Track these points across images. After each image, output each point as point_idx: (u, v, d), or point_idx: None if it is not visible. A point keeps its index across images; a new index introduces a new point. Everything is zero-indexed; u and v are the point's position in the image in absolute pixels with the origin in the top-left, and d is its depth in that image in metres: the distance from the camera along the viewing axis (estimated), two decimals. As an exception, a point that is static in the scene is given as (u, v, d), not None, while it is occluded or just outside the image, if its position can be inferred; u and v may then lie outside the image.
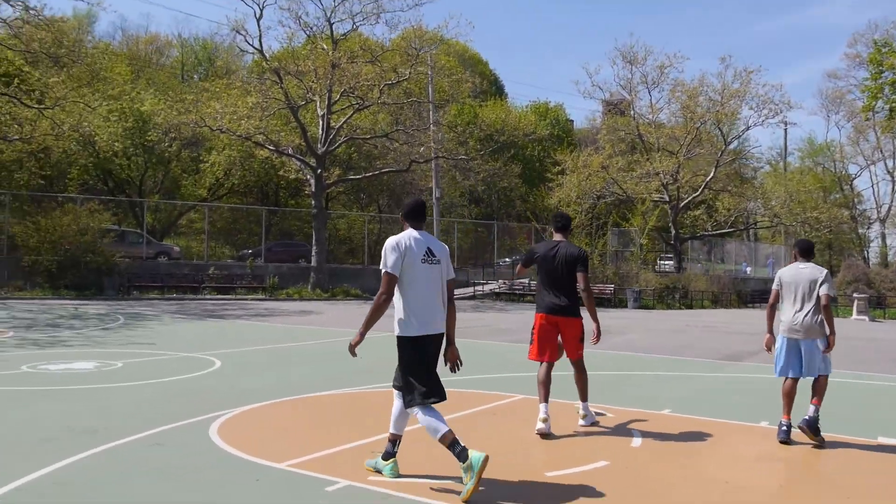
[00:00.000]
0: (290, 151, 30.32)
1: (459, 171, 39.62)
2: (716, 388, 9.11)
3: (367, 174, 34.34)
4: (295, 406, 7.22)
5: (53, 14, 28.15)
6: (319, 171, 29.51)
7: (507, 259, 41.01)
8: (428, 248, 4.90)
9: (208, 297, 27.51)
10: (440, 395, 4.80)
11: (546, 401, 6.29)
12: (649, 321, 21.50)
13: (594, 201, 37.86)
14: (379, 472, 4.84)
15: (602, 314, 24.90)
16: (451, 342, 5.02)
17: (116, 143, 30.82)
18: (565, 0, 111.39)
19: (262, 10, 28.77)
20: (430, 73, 31.75)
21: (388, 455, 4.87)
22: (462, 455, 4.44)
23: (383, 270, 4.78)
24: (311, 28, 30.23)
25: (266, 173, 36.16)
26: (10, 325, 14.81)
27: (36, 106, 26.23)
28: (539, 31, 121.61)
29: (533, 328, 6.72)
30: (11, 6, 24.12)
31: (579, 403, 6.70)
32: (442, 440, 4.58)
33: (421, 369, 4.81)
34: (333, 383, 8.48)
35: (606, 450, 5.69)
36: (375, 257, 38.49)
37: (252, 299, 27.31)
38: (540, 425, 6.11)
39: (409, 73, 29.40)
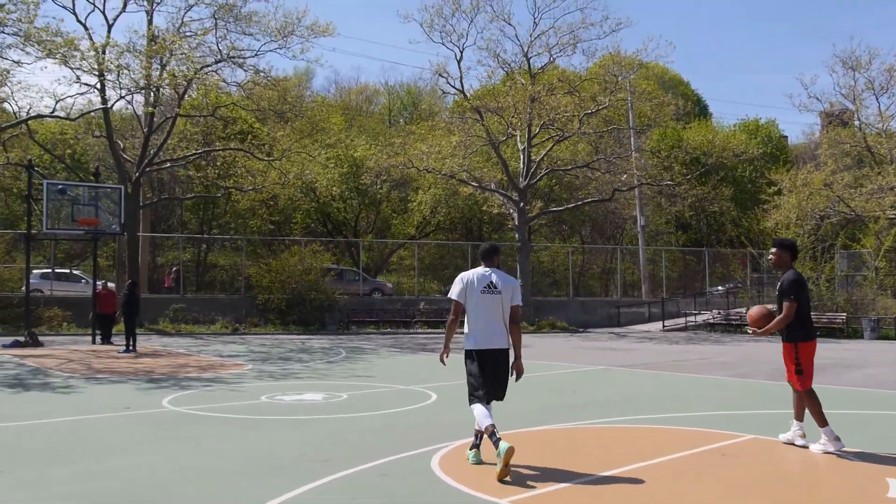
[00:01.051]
0: (493, 187, 30.97)
1: (665, 198, 38.34)
2: None
3: (569, 205, 34.18)
4: (511, 440, 7.21)
5: (278, 75, 31.15)
6: (522, 204, 29.84)
7: (719, 287, 38.80)
8: (490, 281, 6.08)
9: (419, 331, 28.58)
10: (490, 395, 6.03)
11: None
12: (893, 353, 19.27)
13: (817, 222, 34.81)
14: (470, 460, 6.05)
15: (834, 346, 22.82)
16: (517, 357, 6.15)
17: (334, 188, 33.27)
18: (771, 7, 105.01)
19: (462, 52, 29.88)
20: (629, 98, 31.18)
21: (474, 445, 6.15)
22: (497, 444, 5.55)
23: (451, 297, 6.18)
24: (510, 64, 30.90)
25: (470, 209, 37.19)
26: (249, 359, 16.28)
27: (266, 158, 29.04)
28: (744, 43, 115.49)
29: (805, 359, 6.73)
30: (244, 70, 27.00)
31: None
32: (485, 430, 5.74)
33: (476, 375, 6.09)
34: (548, 418, 8.39)
35: (857, 500, 5.10)
36: (580, 289, 38.08)
37: (460, 333, 27.98)
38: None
39: (609, 100, 29.04)
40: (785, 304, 6.61)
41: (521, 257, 30.30)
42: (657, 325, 31.16)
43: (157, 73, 25.69)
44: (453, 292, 6.16)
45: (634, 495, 5.34)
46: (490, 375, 6.03)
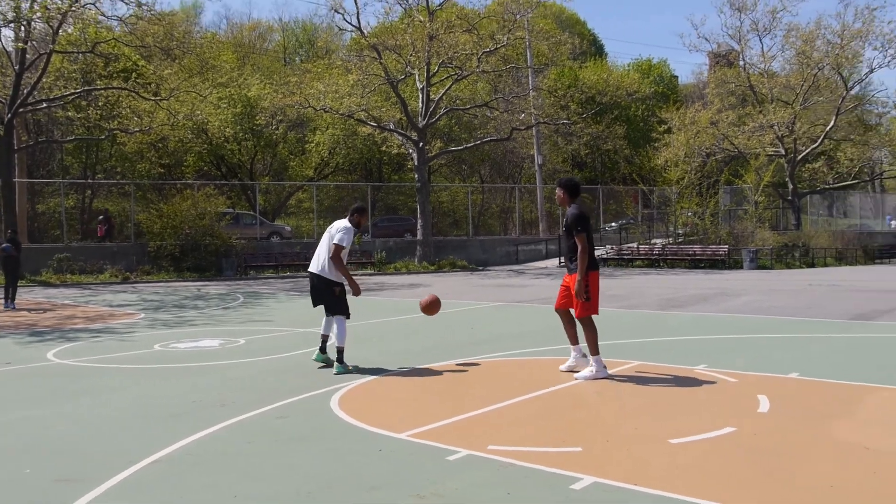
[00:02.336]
0: (392, 126, 30.63)
1: (561, 136, 39.03)
2: (845, 349, 8.60)
3: (469, 145, 34.26)
4: (410, 377, 7.32)
5: (163, 9, 29.42)
6: (421, 144, 29.69)
7: (613, 224, 40.15)
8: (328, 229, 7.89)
9: (320, 273, 28.30)
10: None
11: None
12: (768, 281, 20.57)
13: (704, 159, 36.34)
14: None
15: (716, 276, 24.15)
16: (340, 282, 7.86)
17: (227, 129, 32.08)
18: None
19: (358, -12, 29.00)
20: (527, 37, 31.25)
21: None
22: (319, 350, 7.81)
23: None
24: (407, 1, 30.27)
25: (369, 150, 36.73)
26: (141, 308, 15.74)
27: (152, 98, 27.56)
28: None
29: (593, 287, 6.98)
30: (125, 3, 25.29)
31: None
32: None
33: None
34: (446, 354, 8.54)
35: (732, 416, 5.46)
36: (480, 228, 38.58)
37: (361, 274, 27.94)
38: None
39: (507, 39, 29.00)
40: (577, 238, 6.85)
41: (420, 197, 30.31)
42: (554, 262, 32.03)
43: (28, 4, 23.75)
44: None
45: (535, 420, 5.53)
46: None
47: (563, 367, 7.29)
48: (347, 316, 7.79)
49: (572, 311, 7.15)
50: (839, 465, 4.31)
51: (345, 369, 7.47)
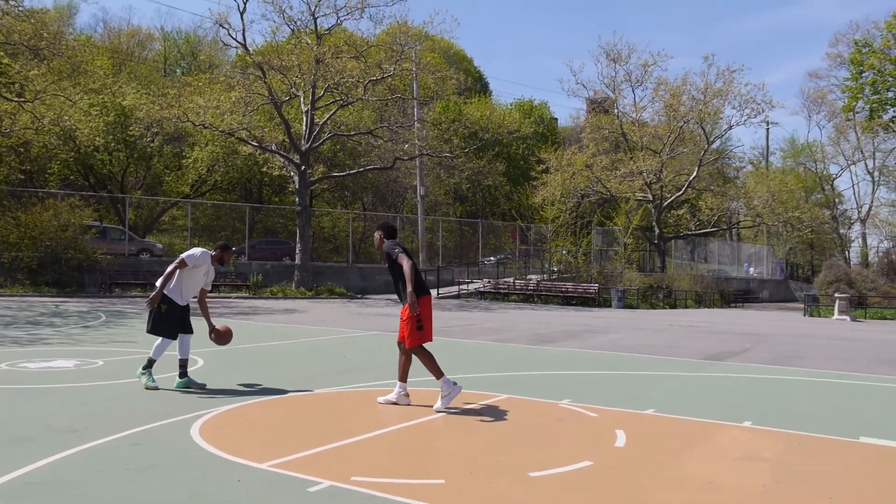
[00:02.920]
0: (274, 148, 30.17)
1: (444, 169, 39.67)
2: (700, 387, 9.14)
3: (352, 171, 34.22)
4: (277, 405, 7.16)
5: (33, 5, 27.82)
6: (303, 167, 29.38)
7: (491, 258, 41.04)
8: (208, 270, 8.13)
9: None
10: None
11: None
12: (634, 320, 21.58)
13: (578, 200, 37.98)
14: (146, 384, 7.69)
15: (586, 313, 24.98)
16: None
17: (98, 138, 30.57)
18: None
19: (245, 4, 28.61)
20: (414, 69, 31.71)
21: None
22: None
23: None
24: (296, 22, 30.12)
25: (249, 170, 35.97)
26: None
27: (16, 99, 25.92)
28: (523, 27, 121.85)
29: (423, 312, 7.04)
30: (-9, -2, 23.80)
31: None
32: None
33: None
34: (316, 382, 8.42)
35: (590, 450, 5.68)
36: (360, 255, 38.44)
37: (236, 297, 27.15)
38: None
39: (394, 69, 29.34)
40: (402, 262, 6.85)
41: (301, 221, 29.90)
42: (433, 293, 32.30)
43: None
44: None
45: (401, 451, 5.53)
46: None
47: (381, 399, 7.22)
48: (164, 335, 7.86)
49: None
50: (684, 498, 4.56)
51: (148, 380, 7.74)
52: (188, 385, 7.76)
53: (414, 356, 7.14)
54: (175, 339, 7.90)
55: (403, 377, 7.17)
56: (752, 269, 53.79)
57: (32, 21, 25.35)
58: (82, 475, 4.69)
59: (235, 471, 4.85)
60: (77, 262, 25.90)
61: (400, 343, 7.18)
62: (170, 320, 7.83)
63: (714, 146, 44.72)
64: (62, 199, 28.10)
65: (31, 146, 29.96)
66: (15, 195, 31.05)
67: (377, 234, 7.27)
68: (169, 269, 7.87)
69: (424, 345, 7.08)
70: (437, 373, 7.00)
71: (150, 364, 7.80)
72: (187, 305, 8.03)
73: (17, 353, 10.36)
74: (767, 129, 59.79)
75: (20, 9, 24.62)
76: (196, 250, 7.96)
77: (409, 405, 7.11)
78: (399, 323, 7.15)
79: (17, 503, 4.13)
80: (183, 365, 7.88)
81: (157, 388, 7.65)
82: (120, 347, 11.30)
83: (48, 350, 10.76)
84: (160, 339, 7.86)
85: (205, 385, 7.88)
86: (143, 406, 6.84)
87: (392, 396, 7.18)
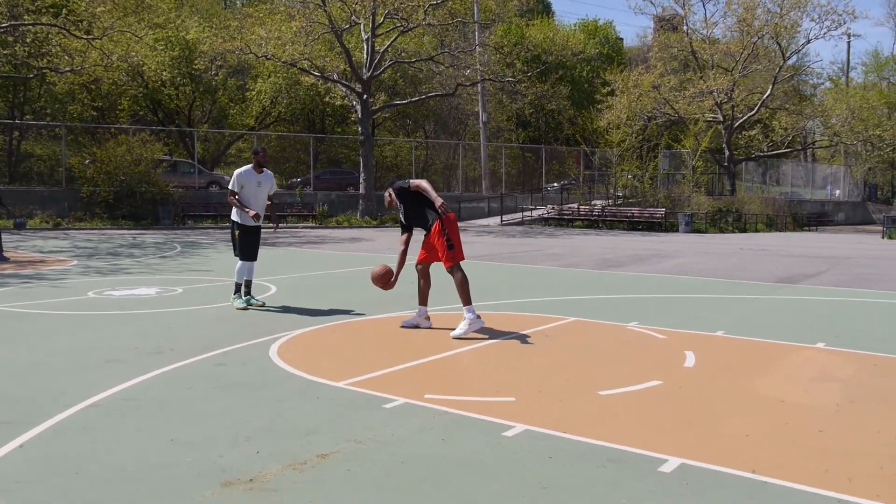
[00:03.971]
0: (336, 77, 30.11)
1: (506, 94, 39.03)
2: (771, 309, 9.00)
3: (413, 99, 33.99)
4: (349, 328, 7.39)
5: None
6: (365, 96, 29.32)
7: (555, 184, 40.60)
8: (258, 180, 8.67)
9: (260, 224, 27.94)
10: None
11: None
12: (702, 244, 21.21)
13: (645, 122, 36.96)
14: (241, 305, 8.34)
15: (653, 238, 24.61)
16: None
17: (164, 73, 31.03)
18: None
19: (304, -69, 28.15)
20: (475, -9, 30.91)
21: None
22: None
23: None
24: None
25: (312, 101, 36.08)
26: (73, 255, 15.33)
27: (84, 36, 26.41)
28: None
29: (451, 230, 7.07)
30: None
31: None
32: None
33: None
34: (385, 307, 8.62)
35: (659, 370, 5.71)
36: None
37: (303, 227, 27.70)
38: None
39: (455, -8, 28.66)
40: (415, 182, 7.24)
41: (364, 151, 30.05)
42: (496, 220, 32.30)
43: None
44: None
45: (471, 371, 5.68)
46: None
47: (404, 324, 7.34)
48: (242, 258, 8.55)
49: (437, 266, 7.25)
50: (755, 416, 4.57)
51: (239, 302, 8.41)
52: (249, 303, 8.46)
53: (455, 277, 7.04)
54: (254, 259, 8.63)
55: (423, 301, 7.35)
56: (837, 192, 51.79)
57: (96, -43, 25.59)
58: (173, 392, 4.98)
59: (315, 389, 5.07)
60: (150, 195, 26.75)
61: (417, 266, 7.38)
62: (245, 243, 8.55)
63: (790, 62, 42.61)
64: (133, 134, 28.84)
65: (101, 83, 30.63)
66: (89, 132, 32.01)
67: (387, 194, 7.47)
68: (230, 199, 8.62)
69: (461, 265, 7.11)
70: (467, 299, 6.90)
71: (237, 288, 8.51)
72: (258, 227, 8.73)
73: (102, 282, 10.88)
74: (849, 43, 56.51)
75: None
76: (235, 174, 8.69)
77: (430, 328, 7.25)
78: (419, 250, 7.36)
79: (117, 417, 4.43)
80: (248, 285, 8.60)
81: (247, 308, 8.32)
82: (196, 276, 11.75)
83: (130, 279, 11.27)
84: (239, 262, 8.52)
85: (264, 303, 8.59)
86: (223, 330, 7.15)
87: (414, 320, 7.34)
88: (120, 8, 29.47)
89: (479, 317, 6.89)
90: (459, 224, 7.29)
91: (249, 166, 8.70)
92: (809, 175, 52.88)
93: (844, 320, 8.15)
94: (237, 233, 8.59)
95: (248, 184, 8.59)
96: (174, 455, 3.80)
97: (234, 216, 8.60)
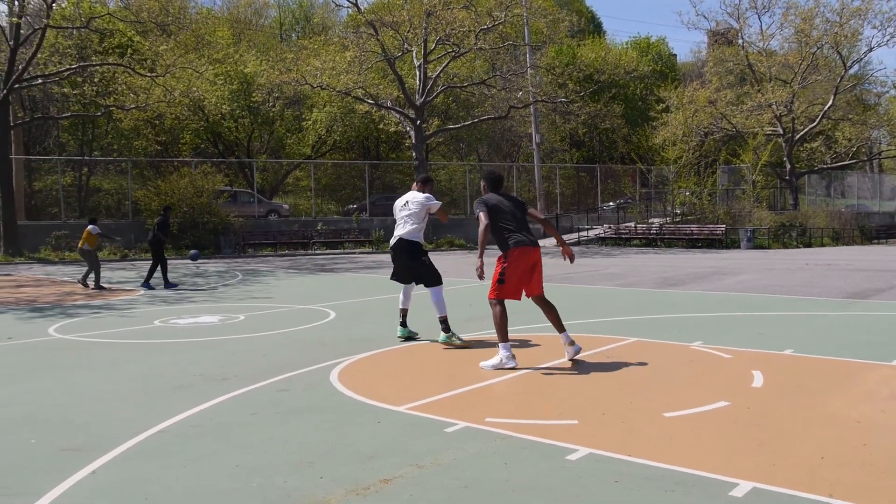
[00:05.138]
0: (389, 104, 30.52)
1: (559, 115, 38.92)
2: (841, 326, 8.69)
3: (466, 123, 34.19)
4: (408, 353, 7.40)
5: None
6: (419, 122, 29.62)
7: (611, 203, 40.19)
8: (406, 201, 8.03)
9: (318, 252, 28.39)
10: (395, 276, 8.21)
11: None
12: (765, 260, 20.67)
13: (702, 138, 36.37)
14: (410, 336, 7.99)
15: (713, 255, 24.13)
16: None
17: (224, 106, 31.97)
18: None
19: (355, -37, 28.77)
20: (525, 14, 31.06)
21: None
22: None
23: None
24: (405, -23, 30.04)
25: (366, 128, 36.64)
26: (140, 285, 15.79)
27: (148, 74, 27.42)
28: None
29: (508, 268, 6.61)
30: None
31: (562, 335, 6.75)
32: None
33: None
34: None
35: (726, 390, 5.55)
36: (477, 206, 38.48)
37: (360, 253, 28.00)
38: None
39: (504, 16, 28.87)
40: (480, 220, 6.65)
41: (418, 176, 30.28)
42: (551, 241, 32.08)
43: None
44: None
45: (532, 394, 5.61)
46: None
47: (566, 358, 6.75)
48: (439, 283, 7.84)
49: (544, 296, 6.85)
50: (830, 437, 4.39)
51: (450, 337, 7.62)
52: (409, 335, 8.00)
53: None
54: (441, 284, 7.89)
55: (557, 327, 6.78)
56: None
57: (158, -1, 26.62)
58: (238, 418, 5.05)
59: (375, 413, 5.08)
60: (213, 225, 27.46)
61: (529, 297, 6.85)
62: (432, 266, 7.98)
63: (852, 71, 41.44)
64: (195, 166, 29.70)
65: (164, 118, 31.72)
66: (153, 165, 33.12)
67: (482, 185, 7.06)
68: (438, 210, 7.98)
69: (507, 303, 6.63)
70: (503, 336, 6.48)
71: (444, 322, 7.70)
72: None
73: (167, 311, 11.17)
74: (913, 49, 54.73)
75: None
76: (425, 196, 7.97)
77: (574, 355, 6.72)
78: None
79: (184, 443, 4.51)
80: (404, 314, 8.07)
81: (463, 343, 7.58)
82: (258, 303, 11.96)
83: (194, 307, 11.53)
84: (434, 292, 7.78)
85: (417, 334, 8.11)
86: (284, 356, 7.25)
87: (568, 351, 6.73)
88: (181, 45, 30.57)
89: (513, 356, 6.42)
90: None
91: (424, 195, 8.04)
92: (877, 186, 51.15)
93: (921, 336, 7.81)
94: (425, 258, 7.89)
95: (431, 210, 8.00)
96: (240, 481, 3.84)
97: (419, 238, 7.88)
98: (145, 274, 15.50)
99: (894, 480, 3.68)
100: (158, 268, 15.21)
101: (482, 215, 6.67)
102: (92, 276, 15.08)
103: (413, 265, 7.87)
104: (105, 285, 15.22)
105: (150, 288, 14.75)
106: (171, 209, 17.15)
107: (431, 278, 7.85)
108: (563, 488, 3.64)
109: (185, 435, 4.67)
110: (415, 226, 7.86)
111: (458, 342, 7.58)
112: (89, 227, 15.48)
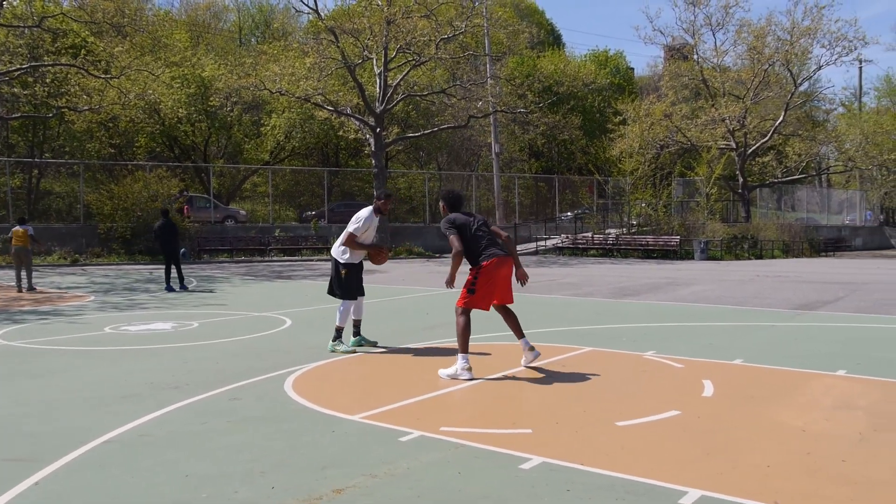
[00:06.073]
0: (349, 111, 30.41)
1: (518, 125, 39.21)
2: (790, 337, 8.90)
3: (426, 131, 34.25)
4: (364, 361, 7.37)
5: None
6: (378, 129, 29.57)
7: (568, 214, 40.59)
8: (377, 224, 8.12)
9: (275, 258, 28.11)
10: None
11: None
12: (718, 272, 21.07)
13: (657, 151, 36.99)
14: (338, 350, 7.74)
15: (668, 266, 24.48)
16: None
17: (180, 110, 31.47)
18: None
19: (316, -31, 28.63)
20: (485, 25, 31.26)
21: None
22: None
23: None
24: (366, -16, 30.01)
25: (326, 134, 36.42)
26: (91, 290, 15.44)
27: (102, 76, 26.88)
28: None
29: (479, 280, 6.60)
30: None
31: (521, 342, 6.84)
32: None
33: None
34: (400, 339, 8.60)
35: (677, 399, 5.64)
36: (437, 215, 38.57)
37: (317, 260, 27.79)
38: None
39: (465, 26, 28.99)
40: (452, 245, 6.58)
41: (377, 183, 30.19)
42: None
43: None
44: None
45: (487, 403, 5.63)
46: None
47: (523, 364, 6.84)
48: (351, 298, 7.94)
49: (507, 305, 6.86)
50: (777, 446, 4.49)
51: (344, 347, 7.81)
52: (360, 343, 8.06)
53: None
54: (356, 299, 7.98)
55: (516, 333, 6.83)
56: (869, 215, 51.46)
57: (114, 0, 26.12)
58: (189, 427, 4.97)
59: (330, 422, 5.05)
60: (167, 230, 26.93)
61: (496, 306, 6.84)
62: (353, 280, 7.95)
63: (802, 88, 42.63)
64: (150, 170, 29.19)
65: (118, 121, 31.11)
66: (106, 169, 32.44)
67: (441, 205, 7.00)
68: (349, 243, 7.85)
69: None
70: (464, 346, 6.47)
71: (338, 333, 7.83)
72: (361, 263, 8.08)
73: (118, 317, 10.94)
74: (860, 68, 56.51)
75: (102, -13, 25.36)
76: (361, 214, 7.95)
77: (530, 362, 6.79)
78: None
79: (132, 453, 4.42)
80: (357, 325, 8.13)
81: (355, 351, 7.80)
82: (212, 310, 11.79)
83: (146, 314, 11.32)
84: (341, 304, 7.91)
85: (376, 343, 8.16)
86: (238, 364, 7.15)
87: (526, 356, 6.81)
88: (137, 48, 30.06)
89: (470, 369, 6.38)
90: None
91: (371, 209, 8.03)
92: (825, 200, 52.59)
93: (865, 347, 8.04)
94: (343, 273, 7.90)
95: (372, 227, 8.02)
96: (189, 491, 3.78)
97: (340, 256, 7.93)
98: (94, 279, 15.17)
99: (838, 488, 3.78)
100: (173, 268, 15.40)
101: (454, 240, 6.55)
102: (24, 277, 15.25)
103: (333, 276, 8.08)
104: (35, 286, 15.50)
105: (174, 289, 14.97)
106: (168, 211, 17.18)
107: (341, 290, 8.00)
108: (515, 498, 3.66)
109: (134, 444, 4.58)
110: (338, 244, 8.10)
111: (341, 350, 7.78)
112: (24, 227, 15.67)
